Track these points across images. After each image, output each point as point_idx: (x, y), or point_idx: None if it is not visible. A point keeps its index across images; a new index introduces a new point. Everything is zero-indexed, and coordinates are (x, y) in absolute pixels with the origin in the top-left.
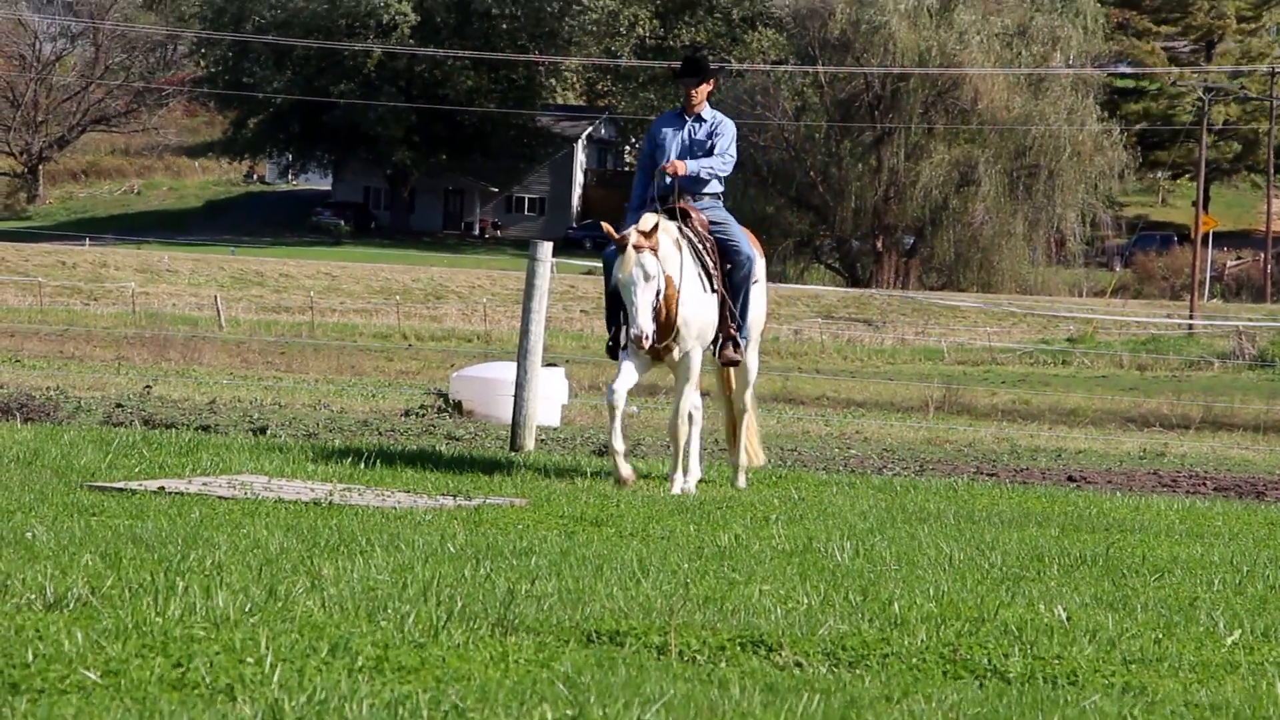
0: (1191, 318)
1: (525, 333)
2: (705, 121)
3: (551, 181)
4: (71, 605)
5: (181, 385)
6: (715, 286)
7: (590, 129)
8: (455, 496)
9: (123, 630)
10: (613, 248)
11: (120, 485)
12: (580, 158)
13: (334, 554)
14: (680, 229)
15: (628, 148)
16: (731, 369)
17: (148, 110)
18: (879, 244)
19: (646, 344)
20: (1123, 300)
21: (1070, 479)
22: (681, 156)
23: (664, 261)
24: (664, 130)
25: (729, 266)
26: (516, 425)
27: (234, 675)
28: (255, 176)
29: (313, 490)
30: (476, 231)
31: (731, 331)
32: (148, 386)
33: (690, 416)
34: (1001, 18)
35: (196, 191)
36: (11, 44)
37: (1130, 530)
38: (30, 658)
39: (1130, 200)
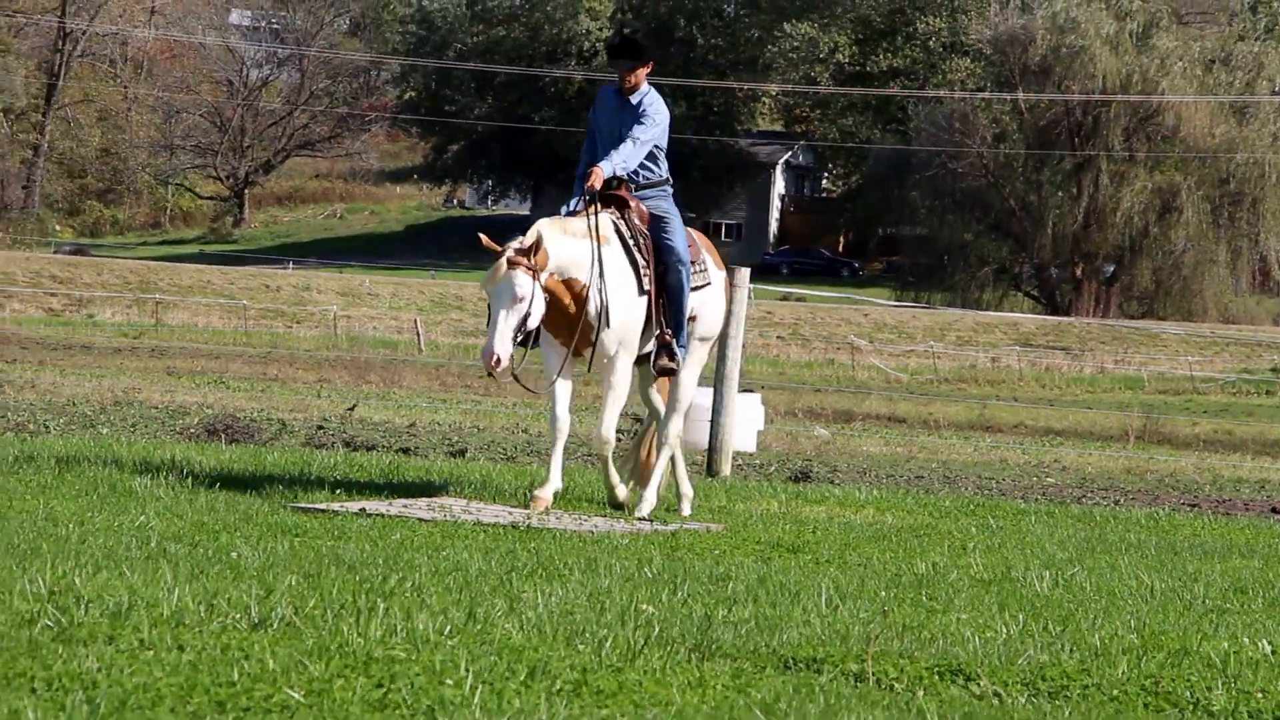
0: None
1: (722, 358)
2: (634, 105)
3: (749, 207)
4: (275, 625)
5: (382, 408)
6: (646, 287)
7: (788, 155)
8: (652, 521)
9: (325, 650)
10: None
11: (322, 507)
12: (778, 183)
13: (532, 577)
14: (614, 221)
15: (825, 175)
16: (662, 388)
17: (350, 135)
18: (1078, 272)
19: (496, 368)
20: None
21: (1274, 510)
22: (612, 135)
23: (570, 266)
24: (602, 109)
25: (663, 268)
26: (713, 451)
27: (434, 696)
28: (455, 201)
29: (511, 513)
30: None
31: (667, 338)
32: (350, 408)
33: (609, 439)
34: (1203, 43)
35: (398, 216)
36: (220, 70)
37: None
38: (236, 676)
39: None
